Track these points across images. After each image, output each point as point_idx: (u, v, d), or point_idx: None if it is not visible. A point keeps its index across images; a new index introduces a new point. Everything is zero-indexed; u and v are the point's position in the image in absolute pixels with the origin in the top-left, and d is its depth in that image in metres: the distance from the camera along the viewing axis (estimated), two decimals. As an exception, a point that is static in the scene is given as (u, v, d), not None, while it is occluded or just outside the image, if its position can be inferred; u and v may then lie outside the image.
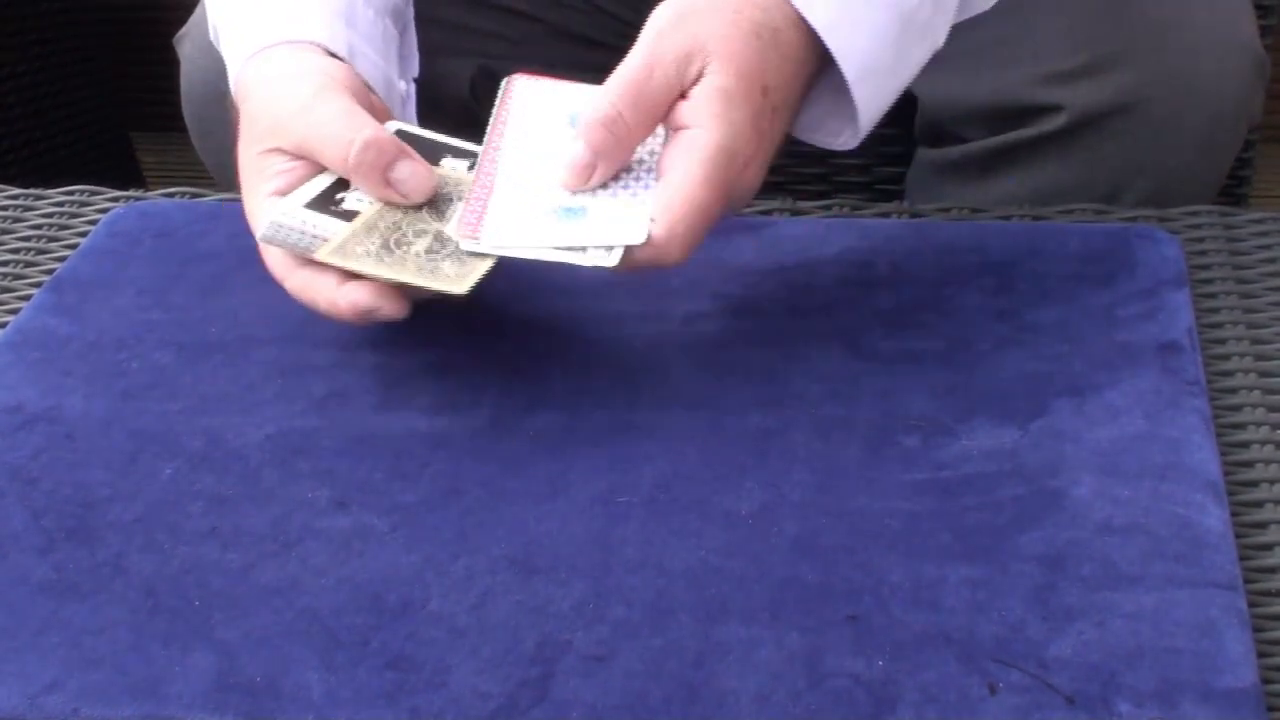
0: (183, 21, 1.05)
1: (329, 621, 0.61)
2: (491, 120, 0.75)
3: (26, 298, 0.83)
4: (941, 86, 1.00)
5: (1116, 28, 0.95)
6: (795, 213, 0.88)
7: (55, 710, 0.58)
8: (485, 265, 0.70)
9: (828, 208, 0.88)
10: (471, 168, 0.75)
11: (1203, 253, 0.82)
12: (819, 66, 0.75)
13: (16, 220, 0.91)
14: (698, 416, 0.71)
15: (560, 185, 0.72)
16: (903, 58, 0.77)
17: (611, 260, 0.69)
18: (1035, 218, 0.85)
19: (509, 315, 0.78)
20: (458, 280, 0.69)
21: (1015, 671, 0.57)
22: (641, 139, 0.72)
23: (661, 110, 0.72)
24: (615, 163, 0.72)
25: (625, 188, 0.72)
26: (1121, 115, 0.95)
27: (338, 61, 0.78)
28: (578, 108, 0.74)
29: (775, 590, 0.61)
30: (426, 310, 0.73)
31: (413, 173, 0.73)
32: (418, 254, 0.71)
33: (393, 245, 0.71)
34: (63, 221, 0.91)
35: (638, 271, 0.70)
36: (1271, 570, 0.62)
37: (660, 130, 0.73)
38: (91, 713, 0.58)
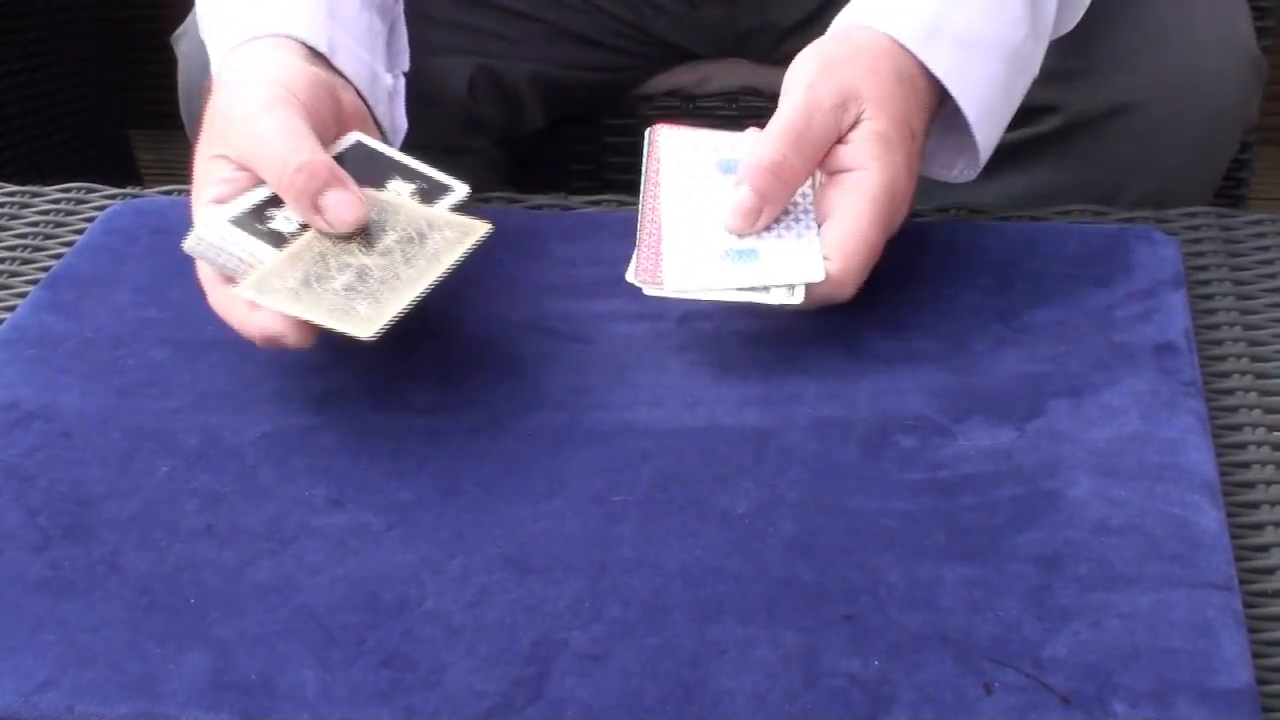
0: (181, 19, 1.05)
1: (325, 620, 0.61)
2: (644, 170, 0.77)
3: (23, 295, 0.83)
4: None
5: (1114, 29, 0.95)
6: (793, 212, 0.88)
7: (50, 708, 0.58)
8: (395, 310, 0.69)
9: (825, 207, 0.88)
10: (416, 192, 0.76)
11: (1200, 254, 0.82)
12: (938, 106, 0.80)
13: (13, 217, 0.91)
14: (695, 416, 0.71)
15: (725, 229, 0.74)
16: (1011, 92, 0.81)
17: (796, 299, 0.72)
18: (1033, 218, 0.85)
19: (506, 315, 0.78)
20: (366, 324, 0.68)
21: (1011, 671, 0.57)
22: (802, 181, 0.75)
23: (820, 155, 0.75)
24: (779, 206, 0.74)
25: (788, 229, 0.74)
26: (1119, 116, 0.95)
27: (305, 65, 0.78)
28: (726, 154, 0.77)
29: (772, 590, 0.61)
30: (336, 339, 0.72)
31: (341, 201, 0.73)
32: (335, 291, 0.70)
33: (312, 281, 0.70)
34: (59, 218, 0.91)
35: (817, 307, 0.73)
36: (1267, 571, 0.62)
37: (814, 176, 0.76)
38: (87, 710, 0.58)
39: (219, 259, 0.72)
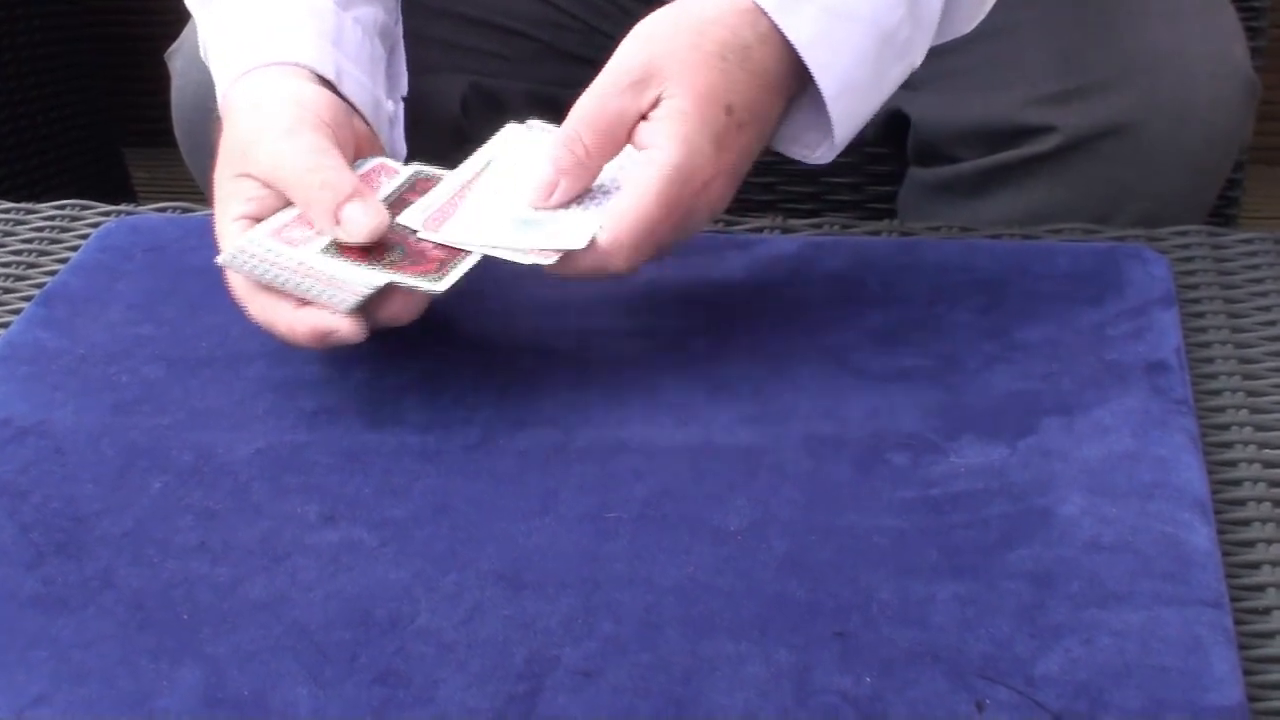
0: (175, 36, 1.05)
1: (317, 636, 0.61)
2: (480, 150, 0.79)
3: (17, 311, 0.83)
4: (934, 107, 1.01)
5: (1109, 51, 0.95)
6: (786, 230, 0.88)
7: (43, 724, 0.58)
8: (464, 267, 0.72)
9: (818, 225, 0.88)
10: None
11: (1191, 272, 0.82)
12: (799, 82, 0.77)
13: (7, 234, 0.91)
14: (687, 433, 0.71)
15: (527, 203, 0.74)
16: (880, 76, 0.78)
17: (550, 260, 0.71)
18: (1025, 237, 0.86)
19: (499, 332, 0.78)
20: (436, 280, 0.71)
21: (1003, 689, 0.57)
22: (603, 161, 0.74)
23: (621, 133, 0.74)
24: (577, 182, 0.74)
25: (583, 207, 0.74)
26: (1113, 138, 0.95)
27: (320, 89, 0.79)
28: None
29: (764, 607, 0.61)
30: (396, 333, 0.73)
31: (364, 212, 0.73)
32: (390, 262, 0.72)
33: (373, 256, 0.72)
34: (54, 236, 0.91)
35: (584, 277, 0.73)
36: (1258, 588, 0.62)
37: (631, 155, 0.75)
38: (79, 726, 0.58)
39: (259, 269, 0.72)
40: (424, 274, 0.71)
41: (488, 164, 0.78)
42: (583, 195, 0.75)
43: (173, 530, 0.67)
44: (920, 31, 0.79)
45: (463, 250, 0.73)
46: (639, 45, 0.75)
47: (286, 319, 0.72)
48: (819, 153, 0.80)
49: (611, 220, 0.72)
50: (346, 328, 0.71)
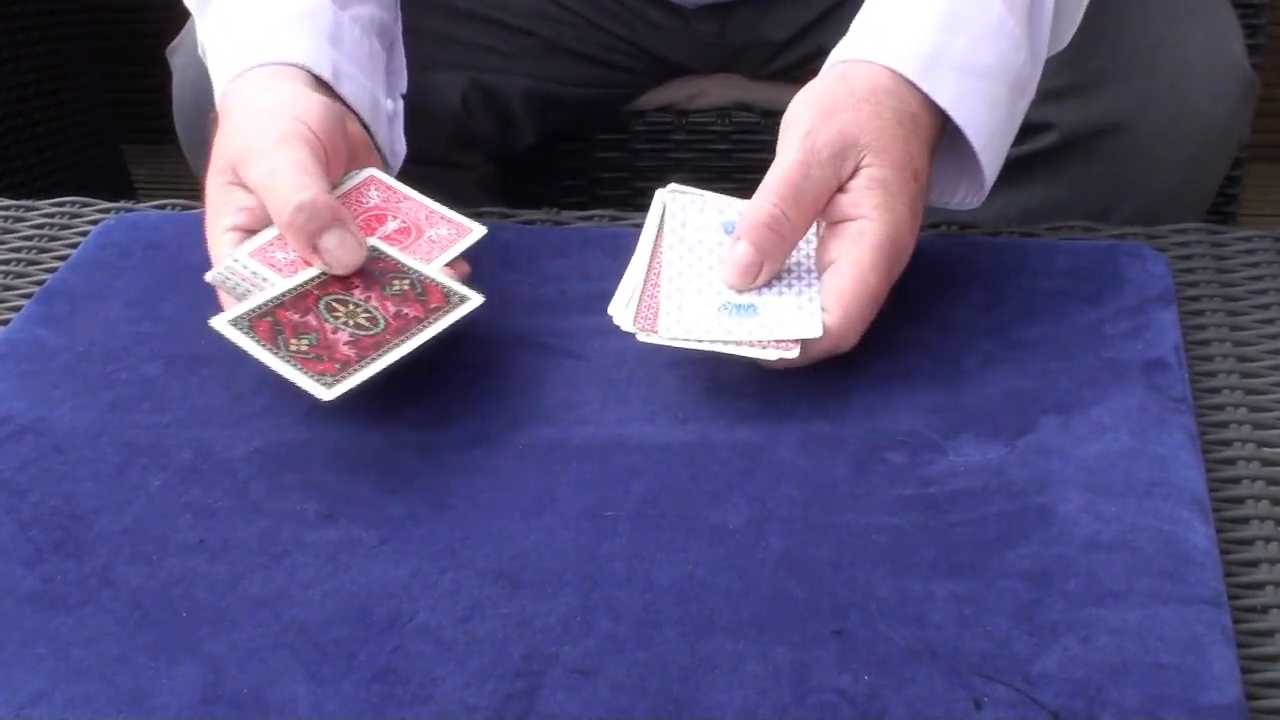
0: (175, 33, 1.05)
1: (316, 634, 0.61)
2: (646, 225, 0.77)
3: (16, 308, 0.83)
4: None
5: (1107, 48, 0.95)
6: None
7: (42, 721, 0.58)
8: (364, 376, 0.69)
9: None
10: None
11: (1190, 270, 0.82)
12: (940, 135, 0.79)
13: (7, 231, 0.91)
14: (686, 431, 0.71)
15: (725, 285, 0.74)
16: (1013, 116, 0.81)
17: (794, 354, 0.71)
18: (1023, 235, 0.86)
19: (497, 330, 0.78)
20: (329, 387, 0.69)
21: (1001, 686, 0.57)
22: (802, 235, 0.74)
23: (820, 206, 0.74)
24: (779, 261, 0.74)
25: (789, 286, 0.74)
26: (1112, 135, 0.95)
27: (314, 94, 0.79)
28: (731, 216, 0.77)
29: (762, 605, 0.61)
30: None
31: (340, 243, 0.73)
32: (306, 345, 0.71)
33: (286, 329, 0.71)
34: (53, 233, 0.91)
35: (813, 361, 0.73)
36: (1256, 586, 0.62)
37: (813, 229, 0.76)
38: (78, 724, 0.58)
39: (240, 289, 0.73)
40: (320, 374, 0.69)
41: (656, 240, 0.77)
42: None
43: (172, 528, 0.67)
44: (1037, 65, 0.82)
45: (381, 353, 0.70)
46: (823, 118, 0.74)
47: None
48: (959, 197, 0.83)
49: (837, 300, 0.72)
50: None
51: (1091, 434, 0.69)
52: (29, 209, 0.93)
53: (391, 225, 0.77)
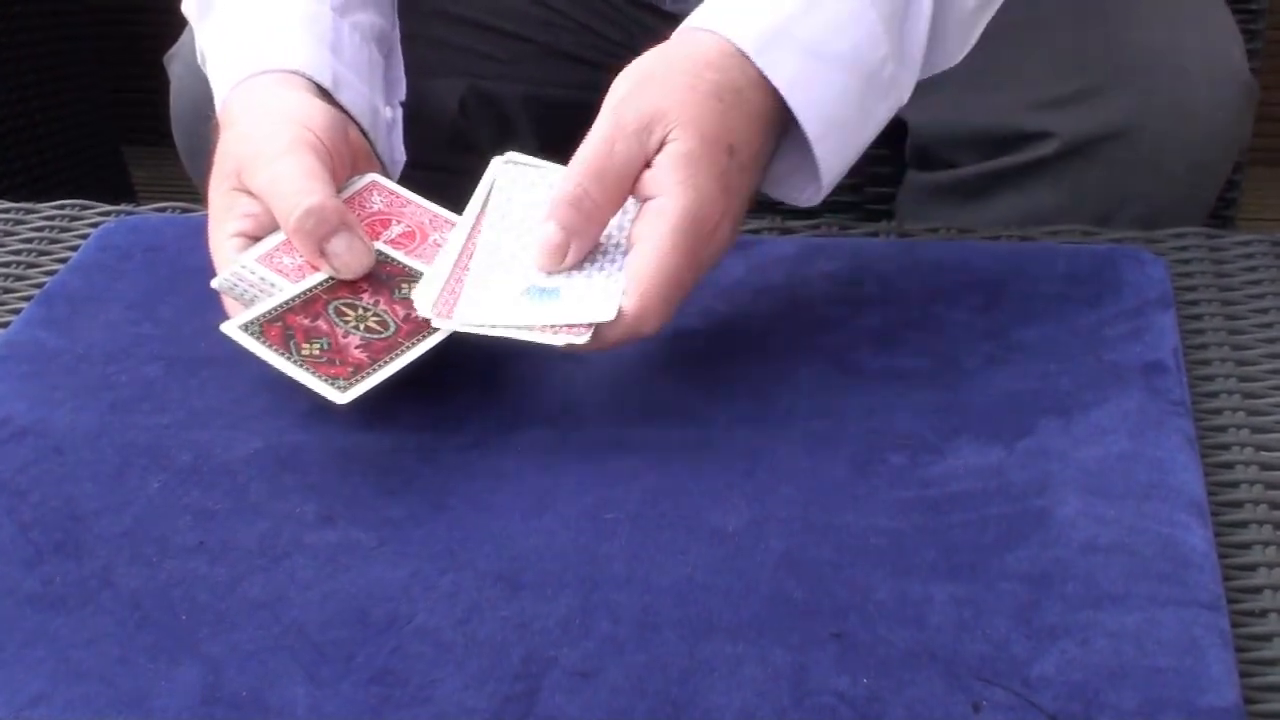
0: (175, 36, 1.05)
1: (315, 636, 0.61)
2: (473, 199, 0.76)
3: (16, 311, 0.83)
4: (932, 112, 1.01)
5: (1108, 55, 0.95)
6: (784, 231, 0.88)
7: (41, 723, 0.58)
8: (375, 381, 0.69)
9: (816, 227, 0.89)
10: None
11: (1189, 274, 0.82)
12: (784, 124, 0.75)
13: (7, 233, 0.91)
14: (685, 433, 0.71)
15: (535, 267, 0.72)
16: (866, 115, 0.77)
17: (583, 339, 0.69)
18: (1022, 238, 0.86)
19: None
20: (343, 391, 0.69)
21: (999, 690, 0.57)
22: (611, 213, 0.72)
23: (627, 183, 0.71)
24: (587, 240, 0.72)
25: (600, 268, 0.72)
26: (1112, 142, 0.95)
27: (316, 101, 0.79)
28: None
29: (761, 607, 0.61)
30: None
31: (348, 247, 0.73)
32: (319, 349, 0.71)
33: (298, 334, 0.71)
34: (53, 235, 0.91)
35: (617, 347, 0.71)
36: (1254, 590, 0.62)
37: (631, 206, 0.73)
38: (77, 725, 0.58)
39: (248, 295, 0.73)
40: (333, 378, 0.69)
41: (479, 215, 0.75)
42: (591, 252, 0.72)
43: (171, 530, 0.67)
44: (905, 68, 0.78)
45: (393, 356, 0.70)
46: (635, 89, 0.73)
47: None
48: (806, 195, 0.79)
49: (635, 282, 0.70)
50: None
51: (1090, 437, 0.69)
52: (29, 211, 0.94)
53: (396, 229, 0.77)
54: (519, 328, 0.70)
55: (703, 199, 0.70)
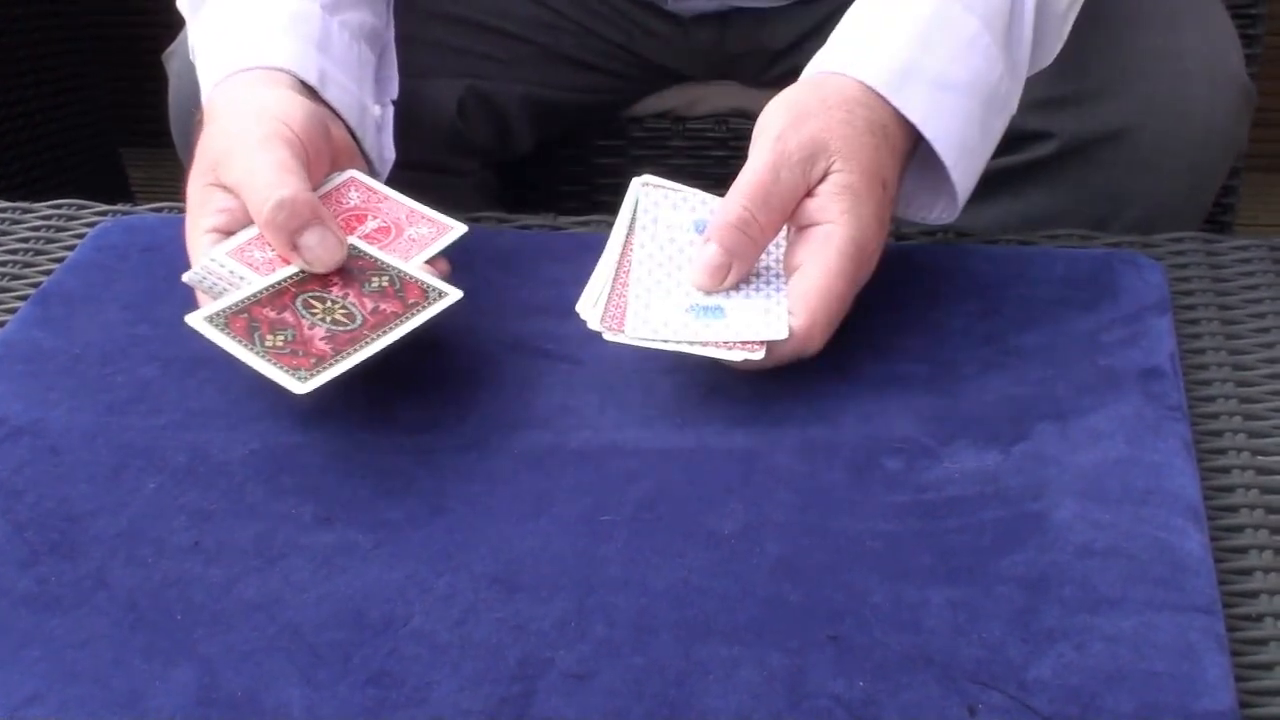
0: (174, 37, 1.05)
1: (311, 637, 0.61)
2: (619, 219, 0.77)
3: (12, 311, 0.83)
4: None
5: (1107, 57, 0.95)
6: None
7: (36, 723, 0.58)
8: (339, 370, 0.69)
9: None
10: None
11: (1186, 279, 0.82)
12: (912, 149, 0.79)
13: (3, 234, 0.91)
14: (682, 436, 0.71)
15: (694, 286, 0.74)
16: (987, 132, 0.81)
17: (758, 356, 0.71)
18: (1020, 243, 0.86)
19: (494, 335, 0.78)
20: (303, 381, 0.69)
21: (995, 693, 0.57)
22: (771, 237, 0.75)
23: (789, 209, 0.74)
24: (747, 263, 0.74)
25: (756, 289, 0.74)
26: (1111, 143, 0.95)
27: (299, 98, 0.79)
28: (703, 214, 0.77)
29: (757, 610, 0.61)
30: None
31: (320, 241, 0.73)
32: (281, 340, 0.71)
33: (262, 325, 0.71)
34: (50, 235, 0.91)
35: (782, 364, 0.73)
36: (1250, 595, 0.62)
37: (781, 234, 0.76)
38: (72, 726, 0.58)
39: (217, 288, 0.73)
40: (294, 369, 0.69)
41: (628, 237, 0.77)
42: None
43: (167, 530, 0.67)
44: (1015, 81, 0.82)
45: (356, 348, 0.70)
46: (795, 122, 0.75)
47: None
48: (935, 213, 0.83)
49: (802, 302, 0.72)
50: None
51: (1087, 441, 0.69)
52: (26, 211, 0.93)
53: (371, 224, 0.77)
54: (692, 343, 0.72)
55: (864, 228, 0.74)
